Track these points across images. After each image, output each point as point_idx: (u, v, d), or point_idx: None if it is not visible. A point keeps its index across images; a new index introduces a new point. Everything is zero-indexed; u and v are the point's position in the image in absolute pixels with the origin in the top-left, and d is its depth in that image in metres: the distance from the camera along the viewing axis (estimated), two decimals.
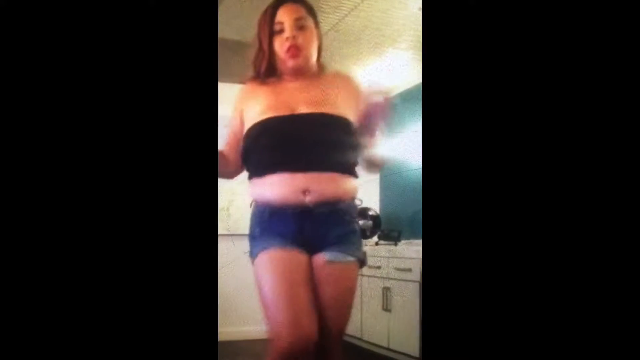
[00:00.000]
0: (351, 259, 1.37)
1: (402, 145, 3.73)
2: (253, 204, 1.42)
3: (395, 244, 3.62)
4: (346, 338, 3.57)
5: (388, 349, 3.19)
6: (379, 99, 1.34)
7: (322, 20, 1.47)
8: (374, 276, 3.35)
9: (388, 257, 3.25)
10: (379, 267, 3.31)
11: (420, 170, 3.66)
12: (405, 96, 3.94)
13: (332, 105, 1.37)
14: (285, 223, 1.33)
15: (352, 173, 1.40)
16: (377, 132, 1.40)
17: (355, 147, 1.39)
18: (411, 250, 3.08)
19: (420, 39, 3.07)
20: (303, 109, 1.36)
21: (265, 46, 1.39)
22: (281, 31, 1.37)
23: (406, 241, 3.68)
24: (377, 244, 3.79)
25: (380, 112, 1.35)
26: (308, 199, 1.31)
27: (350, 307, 1.40)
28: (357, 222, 1.43)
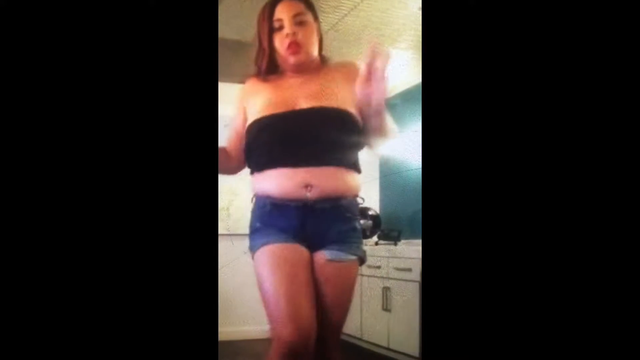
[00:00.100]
0: (352, 257, 1.37)
1: (401, 145, 3.72)
2: (254, 198, 1.42)
3: (395, 244, 3.61)
4: (346, 338, 3.57)
5: (388, 348, 3.19)
6: (375, 57, 1.25)
7: (321, 20, 1.47)
8: (374, 276, 3.35)
9: (388, 257, 3.25)
10: (378, 267, 3.31)
11: (419, 170, 3.66)
12: (405, 96, 3.94)
13: (333, 98, 1.36)
14: (287, 218, 1.33)
15: (355, 167, 1.39)
16: (380, 99, 1.28)
17: (357, 140, 1.38)
18: (411, 250, 3.07)
19: (420, 39, 3.07)
20: (303, 104, 1.36)
21: (265, 44, 1.38)
22: (280, 28, 1.36)
23: (406, 241, 3.68)
24: (377, 243, 3.79)
25: (379, 71, 1.24)
26: (310, 193, 1.30)
27: (349, 304, 1.40)
28: (359, 220, 1.42)
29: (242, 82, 1.50)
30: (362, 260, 1.40)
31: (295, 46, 1.35)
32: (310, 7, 1.41)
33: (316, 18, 1.43)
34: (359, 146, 1.40)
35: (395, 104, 3.93)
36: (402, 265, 3.09)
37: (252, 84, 1.45)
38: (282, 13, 1.36)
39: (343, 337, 3.53)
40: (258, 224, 1.37)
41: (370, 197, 4.26)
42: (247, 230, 1.42)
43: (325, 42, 1.50)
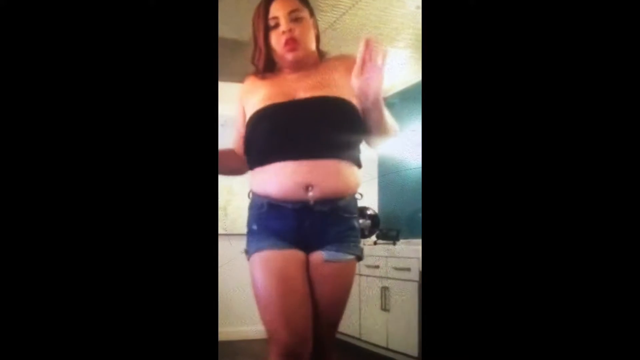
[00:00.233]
0: (349, 257, 1.37)
1: (400, 144, 3.72)
2: (251, 195, 1.40)
3: (394, 244, 3.61)
4: (345, 338, 3.57)
5: (387, 348, 3.18)
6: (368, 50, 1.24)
7: (319, 19, 1.46)
8: (373, 276, 3.34)
9: (386, 257, 3.25)
10: (377, 267, 3.31)
11: (418, 170, 3.66)
12: (404, 95, 3.93)
13: (332, 88, 1.35)
14: (284, 219, 1.32)
15: (355, 161, 1.38)
16: (376, 91, 1.28)
17: (358, 130, 1.36)
18: (410, 250, 3.07)
19: (418, 38, 3.07)
20: (303, 95, 1.35)
21: (262, 43, 1.38)
22: (276, 26, 1.35)
23: (405, 240, 3.68)
24: (375, 243, 3.79)
25: (373, 62, 1.24)
26: (310, 195, 1.29)
27: (345, 304, 1.40)
28: (357, 218, 1.42)
29: (240, 81, 1.50)
30: (359, 259, 1.40)
31: (292, 43, 1.34)
32: (306, 3, 1.41)
33: (312, 14, 1.43)
34: (359, 137, 1.38)
35: (393, 103, 3.92)
36: (400, 265, 3.09)
37: (251, 83, 1.44)
38: (277, 11, 1.35)
39: (341, 337, 3.55)
40: (255, 226, 1.37)
41: (369, 196, 4.26)
42: (244, 230, 1.42)
43: (323, 40, 1.49)
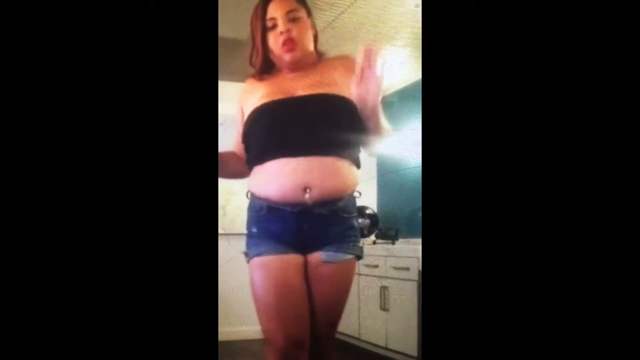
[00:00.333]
0: (349, 257, 1.37)
1: (399, 144, 3.72)
2: (249, 196, 1.40)
3: (393, 243, 3.61)
4: (344, 337, 3.57)
5: (386, 348, 3.18)
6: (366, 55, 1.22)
7: (318, 18, 1.46)
8: (372, 275, 3.34)
9: (386, 256, 3.24)
10: (376, 266, 3.30)
11: (417, 169, 3.66)
12: (402, 94, 3.93)
13: (331, 86, 1.36)
14: (283, 222, 1.32)
15: (353, 159, 1.38)
16: (375, 99, 1.28)
17: (356, 128, 1.35)
18: (409, 249, 3.07)
19: (417, 36, 3.07)
20: (301, 93, 1.35)
21: (259, 43, 1.37)
22: (274, 26, 1.35)
23: (404, 240, 3.68)
24: (374, 242, 3.79)
25: (372, 66, 1.22)
26: (308, 196, 1.29)
27: (344, 304, 1.41)
28: (356, 218, 1.42)
29: (240, 80, 1.50)
30: (358, 258, 1.40)
31: (290, 43, 1.34)
32: (303, 3, 1.40)
33: (309, 14, 1.42)
34: (358, 135, 1.38)
35: (392, 102, 3.92)
36: (400, 265, 3.08)
37: (250, 84, 1.44)
38: (275, 11, 1.34)
39: (341, 336, 3.55)
40: (254, 229, 1.37)
41: (368, 195, 4.25)
42: (243, 230, 1.42)
43: (322, 39, 1.49)
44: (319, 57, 1.46)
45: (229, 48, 3.12)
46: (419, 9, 2.72)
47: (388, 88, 3.99)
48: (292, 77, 1.39)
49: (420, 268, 2.91)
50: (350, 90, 1.27)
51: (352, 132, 1.35)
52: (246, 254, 1.38)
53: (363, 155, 1.43)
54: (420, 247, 2.93)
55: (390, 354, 3.15)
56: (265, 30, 1.36)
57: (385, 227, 3.91)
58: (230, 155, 1.48)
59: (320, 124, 1.31)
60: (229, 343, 3.69)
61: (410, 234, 3.73)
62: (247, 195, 1.41)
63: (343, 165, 1.33)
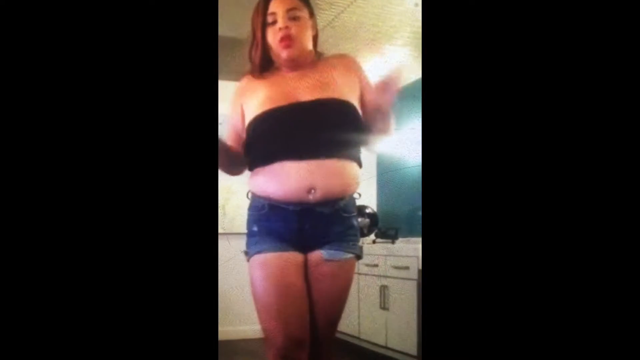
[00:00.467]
0: (349, 255, 1.37)
1: (399, 143, 3.71)
2: (250, 196, 1.40)
3: (393, 242, 3.61)
4: (343, 337, 3.57)
5: (386, 347, 3.18)
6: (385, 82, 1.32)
7: (317, 17, 1.47)
8: (372, 274, 3.34)
9: (385, 255, 3.24)
10: (376, 266, 3.30)
11: (417, 168, 3.65)
12: (402, 93, 3.91)
13: (332, 90, 1.36)
14: (285, 221, 1.32)
15: (357, 160, 1.39)
16: (389, 106, 1.37)
17: (359, 130, 1.37)
18: (409, 248, 3.07)
19: (417, 35, 3.06)
20: (303, 97, 1.35)
21: (259, 37, 1.38)
22: (274, 22, 1.35)
23: (403, 239, 3.67)
24: (374, 242, 3.78)
25: (388, 91, 1.32)
26: (312, 197, 1.30)
27: (344, 303, 1.41)
28: (356, 217, 1.43)
29: (238, 79, 1.48)
30: (358, 257, 1.41)
31: (287, 40, 1.35)
32: (306, 3, 1.41)
33: (312, 15, 1.43)
34: (360, 137, 1.39)
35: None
36: (399, 264, 3.08)
37: (248, 82, 1.44)
38: (276, 7, 1.35)
39: (340, 336, 3.54)
40: (255, 228, 1.37)
41: (367, 195, 4.25)
42: (243, 229, 1.42)
43: (322, 39, 1.49)
44: (318, 56, 1.46)
45: (229, 47, 3.12)
46: (419, 8, 2.72)
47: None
48: (292, 77, 1.39)
49: (420, 267, 2.91)
50: (367, 96, 1.38)
51: (355, 134, 1.36)
52: (246, 253, 1.38)
53: (363, 154, 1.44)
54: (419, 246, 2.93)
55: (390, 353, 3.15)
56: (265, 25, 1.36)
57: (385, 226, 3.90)
58: (227, 152, 1.45)
59: (324, 128, 1.32)
60: (229, 342, 3.68)
61: (410, 233, 3.72)
62: (247, 196, 1.41)
63: (346, 166, 1.35)
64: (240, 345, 3.66)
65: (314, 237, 1.34)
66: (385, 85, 1.30)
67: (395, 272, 3.13)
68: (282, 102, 1.34)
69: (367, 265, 3.34)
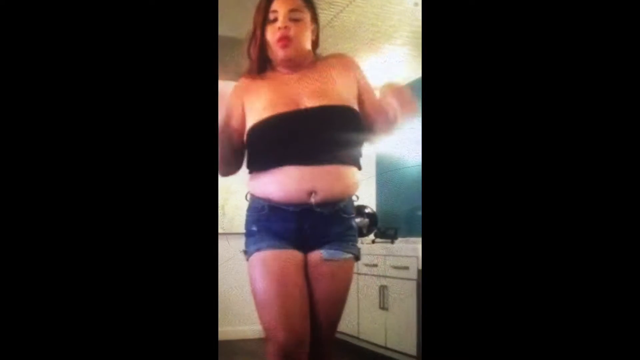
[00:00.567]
0: (348, 256, 1.38)
1: (398, 142, 3.71)
2: (249, 197, 1.40)
3: (392, 242, 3.61)
4: (343, 337, 3.57)
5: (385, 347, 3.18)
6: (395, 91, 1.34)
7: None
8: (371, 274, 3.33)
9: (385, 255, 3.24)
10: (375, 265, 3.30)
11: (416, 168, 3.65)
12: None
13: (335, 95, 1.36)
14: (284, 221, 1.33)
15: (356, 162, 1.39)
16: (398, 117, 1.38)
17: (361, 136, 1.38)
18: (408, 248, 3.06)
19: (416, 35, 3.06)
20: (305, 103, 1.35)
21: (259, 32, 1.38)
22: (275, 20, 1.35)
23: (403, 239, 3.67)
24: (373, 242, 3.78)
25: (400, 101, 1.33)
26: (313, 199, 1.30)
27: (344, 303, 1.41)
28: (354, 218, 1.43)
29: (237, 80, 1.47)
30: (356, 258, 1.41)
31: (285, 40, 1.34)
32: (310, 6, 1.41)
33: (314, 18, 1.43)
34: (362, 141, 1.40)
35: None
36: (399, 264, 3.08)
37: (249, 82, 1.43)
38: (279, 6, 1.35)
39: (340, 336, 3.54)
40: (254, 227, 1.37)
41: (367, 195, 4.24)
42: (242, 229, 1.41)
43: (321, 38, 1.49)
44: (316, 57, 1.46)
45: (229, 47, 3.11)
46: (418, 8, 2.72)
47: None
48: (292, 79, 1.39)
49: (419, 267, 2.91)
50: (365, 95, 1.41)
51: (356, 139, 1.37)
52: (245, 252, 1.38)
53: (363, 153, 1.44)
54: (419, 246, 2.93)
55: (389, 353, 3.15)
56: (265, 22, 1.36)
57: (384, 226, 3.90)
58: (226, 152, 1.43)
59: (327, 135, 1.32)
60: (228, 342, 3.68)
61: (409, 233, 3.72)
62: (246, 197, 1.41)
63: (347, 170, 1.35)
64: (240, 346, 3.66)
65: (314, 237, 1.34)
66: (405, 109, 1.32)
67: (394, 272, 3.12)
68: (284, 108, 1.33)
69: (367, 265, 3.33)
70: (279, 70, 1.42)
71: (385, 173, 4.20)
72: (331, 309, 1.37)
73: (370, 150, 4.22)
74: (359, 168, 1.41)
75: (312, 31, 1.42)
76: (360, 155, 1.41)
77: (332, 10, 2.78)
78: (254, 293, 1.31)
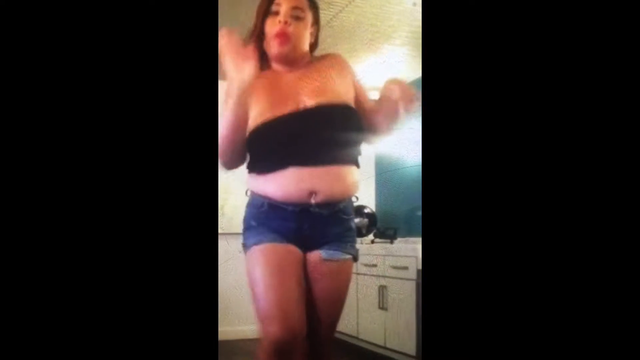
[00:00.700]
0: (347, 256, 1.38)
1: (398, 142, 3.71)
2: (249, 194, 1.40)
3: (391, 242, 3.61)
4: (342, 337, 3.57)
5: (384, 347, 3.18)
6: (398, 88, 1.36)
7: None
8: (370, 274, 3.33)
9: (384, 255, 3.24)
10: (375, 266, 3.30)
11: (415, 167, 3.65)
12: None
13: (332, 93, 1.36)
14: (283, 220, 1.32)
15: (355, 161, 1.39)
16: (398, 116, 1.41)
17: (361, 134, 1.38)
18: (407, 248, 3.06)
19: (415, 35, 3.06)
20: (305, 101, 1.34)
21: (259, 23, 1.37)
22: (276, 13, 1.35)
23: (402, 239, 3.67)
24: (373, 242, 3.78)
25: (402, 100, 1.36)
26: (313, 200, 1.30)
27: (343, 303, 1.41)
28: (353, 219, 1.44)
29: None
30: (355, 259, 1.41)
31: (283, 36, 1.34)
32: (313, 8, 1.41)
33: (316, 21, 1.43)
34: (362, 140, 1.40)
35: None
36: (398, 264, 3.08)
37: None
38: (283, 0, 1.34)
39: (339, 336, 3.54)
40: (253, 222, 1.36)
41: (366, 195, 4.24)
42: (241, 230, 1.41)
43: (320, 38, 1.49)
44: (312, 59, 1.45)
45: None
46: (417, 8, 2.72)
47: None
48: (292, 78, 1.38)
49: (419, 267, 2.91)
50: (360, 97, 1.42)
51: (356, 138, 1.37)
52: (244, 245, 1.37)
53: (362, 153, 1.44)
54: (418, 246, 2.93)
55: (388, 353, 3.15)
56: (267, 14, 1.36)
57: (383, 226, 3.90)
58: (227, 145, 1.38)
59: (327, 134, 1.32)
60: (227, 342, 3.68)
61: (408, 233, 3.72)
62: (246, 193, 1.41)
63: (347, 171, 1.35)
64: (239, 346, 3.66)
65: (313, 237, 1.34)
66: (411, 102, 1.35)
67: (393, 272, 3.12)
68: (284, 109, 1.32)
69: (366, 265, 3.33)
70: (275, 67, 1.41)
71: (385, 173, 4.20)
72: (330, 309, 1.37)
73: (370, 151, 4.22)
74: (358, 166, 1.40)
75: (312, 33, 1.42)
76: (359, 153, 1.41)
77: (331, 10, 2.78)
78: (251, 285, 1.29)
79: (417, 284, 2.90)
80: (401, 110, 1.34)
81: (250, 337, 3.76)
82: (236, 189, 3.74)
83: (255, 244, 1.32)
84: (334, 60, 1.45)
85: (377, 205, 4.30)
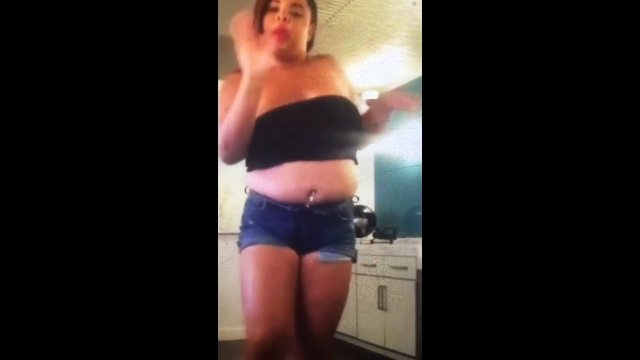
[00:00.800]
0: (346, 258, 1.37)
1: (397, 142, 3.72)
2: (249, 191, 1.39)
3: (391, 242, 3.61)
4: (342, 337, 3.57)
5: (384, 347, 3.18)
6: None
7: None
8: (370, 275, 3.33)
9: (383, 256, 3.24)
10: (374, 266, 3.30)
11: (415, 167, 3.65)
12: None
13: (331, 88, 1.37)
14: (282, 220, 1.31)
15: (353, 157, 1.39)
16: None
17: (359, 129, 1.39)
18: (407, 249, 3.06)
19: (415, 35, 3.06)
20: (308, 94, 1.34)
21: (257, 19, 1.37)
22: (276, 10, 1.35)
23: (402, 239, 3.67)
24: (372, 242, 3.78)
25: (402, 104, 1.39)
26: (312, 199, 1.29)
27: (343, 305, 1.40)
28: (353, 220, 1.43)
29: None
30: (354, 260, 1.41)
31: (281, 33, 1.34)
32: (312, 7, 1.41)
33: (314, 19, 1.43)
34: (359, 135, 1.40)
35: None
36: (397, 264, 3.08)
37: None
38: None
39: (339, 336, 3.54)
40: (251, 222, 1.35)
41: (365, 195, 4.24)
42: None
43: (319, 38, 1.49)
44: (308, 58, 1.46)
45: (229, 47, 3.11)
46: (417, 7, 2.72)
47: (386, 87, 3.98)
48: (291, 74, 1.38)
49: (418, 267, 2.90)
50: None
51: (355, 132, 1.37)
52: (239, 244, 1.37)
53: (362, 153, 1.45)
54: (418, 246, 2.93)
55: (388, 354, 3.15)
56: (266, 9, 1.35)
57: (383, 226, 3.90)
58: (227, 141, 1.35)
59: (327, 128, 1.31)
60: (227, 343, 3.67)
61: (408, 233, 3.72)
62: (245, 191, 1.40)
63: (346, 168, 1.34)
64: (238, 346, 3.64)
65: (310, 239, 1.33)
66: (408, 106, 1.37)
67: (393, 273, 3.12)
68: (284, 101, 1.32)
69: (365, 265, 3.33)
70: (273, 64, 1.39)
71: (384, 173, 4.20)
72: (329, 311, 1.36)
73: (369, 150, 4.22)
74: (356, 162, 1.40)
75: (309, 31, 1.42)
76: (358, 148, 1.41)
77: (330, 9, 2.77)
78: (241, 286, 1.29)
79: (417, 284, 2.90)
80: (388, 119, 1.39)
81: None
82: (235, 189, 3.73)
83: (250, 244, 1.31)
84: (329, 61, 1.46)
85: (376, 205, 4.30)
